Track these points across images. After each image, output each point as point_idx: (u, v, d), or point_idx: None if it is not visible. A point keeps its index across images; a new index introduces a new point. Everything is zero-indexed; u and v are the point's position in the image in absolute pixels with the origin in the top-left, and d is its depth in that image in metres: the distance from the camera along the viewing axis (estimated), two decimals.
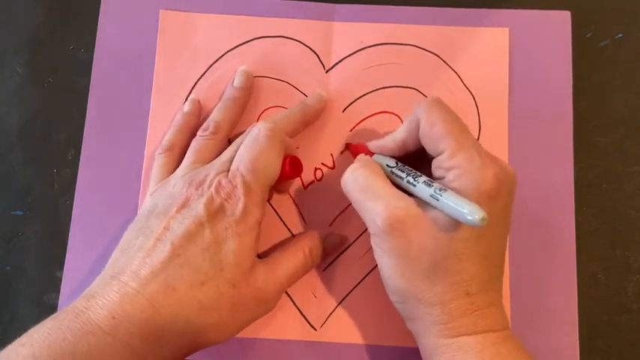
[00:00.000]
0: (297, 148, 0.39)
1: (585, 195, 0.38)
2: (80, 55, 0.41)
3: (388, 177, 0.31)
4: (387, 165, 0.32)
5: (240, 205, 0.30)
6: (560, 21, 0.40)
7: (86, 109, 0.39)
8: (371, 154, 0.34)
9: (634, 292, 0.37)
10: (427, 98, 0.31)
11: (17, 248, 0.38)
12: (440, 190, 0.27)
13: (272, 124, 0.33)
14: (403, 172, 0.31)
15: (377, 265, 0.36)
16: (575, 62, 0.40)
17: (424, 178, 0.29)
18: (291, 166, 0.32)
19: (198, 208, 0.30)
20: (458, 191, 0.27)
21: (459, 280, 0.28)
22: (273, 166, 0.32)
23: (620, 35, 0.40)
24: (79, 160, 0.39)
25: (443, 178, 0.29)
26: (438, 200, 0.27)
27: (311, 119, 0.38)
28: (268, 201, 0.38)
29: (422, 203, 0.29)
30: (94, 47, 0.40)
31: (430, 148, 0.30)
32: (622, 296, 0.37)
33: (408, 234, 0.28)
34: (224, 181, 0.30)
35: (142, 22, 0.40)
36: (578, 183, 0.38)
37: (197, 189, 0.31)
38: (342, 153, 0.38)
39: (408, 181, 0.30)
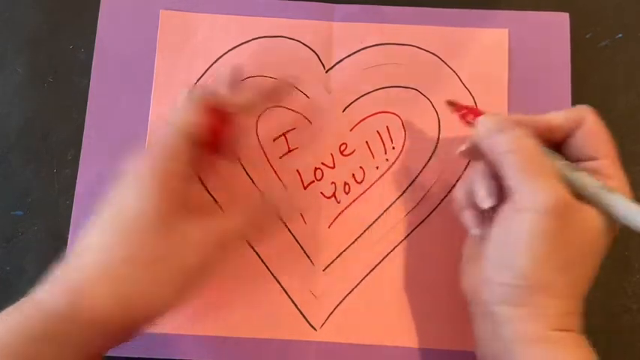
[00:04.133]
0: (297, 148, 0.39)
1: None
2: (80, 55, 0.41)
3: None
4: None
5: (151, 157, 0.30)
6: (559, 23, 0.40)
7: (86, 109, 0.39)
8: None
9: (634, 292, 0.37)
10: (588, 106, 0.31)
11: (17, 248, 0.38)
12: (609, 189, 0.28)
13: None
14: (561, 160, 0.30)
15: (378, 264, 0.37)
16: (575, 62, 0.40)
17: (585, 172, 0.29)
18: (213, 115, 0.31)
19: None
20: None
21: (586, 278, 0.29)
22: (188, 116, 0.31)
23: (620, 35, 0.40)
24: (79, 160, 0.39)
25: None
26: (610, 198, 0.28)
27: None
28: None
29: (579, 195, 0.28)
30: (94, 47, 0.40)
31: (587, 150, 0.30)
32: (622, 296, 0.37)
33: (568, 220, 0.27)
34: (151, 138, 0.31)
35: (142, 22, 0.40)
36: None
37: None
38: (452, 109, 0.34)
39: (567, 170, 0.29)
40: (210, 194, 0.38)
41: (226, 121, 0.32)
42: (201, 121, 0.31)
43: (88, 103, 0.39)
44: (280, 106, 0.39)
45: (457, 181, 0.38)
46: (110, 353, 0.36)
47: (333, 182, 0.38)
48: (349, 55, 0.40)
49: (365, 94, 0.40)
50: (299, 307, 0.37)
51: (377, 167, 0.39)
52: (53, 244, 0.38)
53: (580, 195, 0.28)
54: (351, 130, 0.39)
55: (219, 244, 0.31)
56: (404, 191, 0.38)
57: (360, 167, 0.39)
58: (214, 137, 0.32)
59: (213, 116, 0.31)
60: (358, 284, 0.37)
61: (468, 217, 0.33)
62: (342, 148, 0.39)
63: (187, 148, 0.30)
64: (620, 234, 0.37)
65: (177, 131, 0.30)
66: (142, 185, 0.29)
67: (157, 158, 0.30)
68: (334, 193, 0.38)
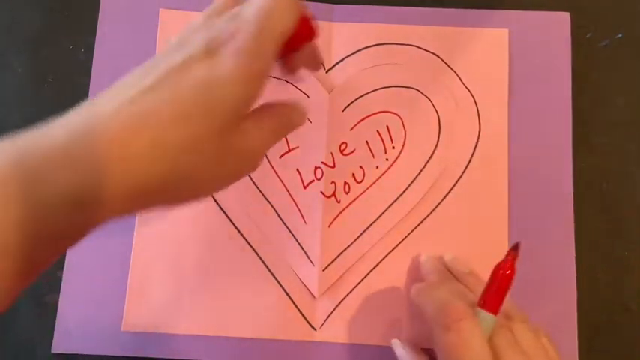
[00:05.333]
0: (297, 147, 0.39)
1: (585, 195, 0.38)
2: (80, 55, 0.41)
3: None
4: None
5: (242, 50, 0.25)
6: (560, 22, 0.40)
7: None
8: None
9: (634, 292, 0.37)
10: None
11: None
12: None
13: None
14: None
15: (378, 264, 0.37)
16: (575, 62, 0.40)
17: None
18: (304, 24, 0.28)
19: (196, 44, 0.26)
20: None
21: None
22: (285, 17, 0.27)
23: (620, 35, 0.40)
24: None
25: None
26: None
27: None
28: (279, 166, 0.38)
29: None
30: (94, 47, 0.40)
31: None
32: (622, 296, 0.37)
33: None
34: (231, 25, 0.26)
35: (142, 21, 0.40)
36: (578, 183, 0.38)
37: (199, 32, 0.27)
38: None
39: None
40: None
41: (309, 26, 0.29)
42: (296, 26, 0.27)
43: None
44: None
45: (457, 181, 0.38)
46: (109, 353, 0.36)
47: (333, 182, 0.38)
48: (349, 55, 0.40)
49: (365, 94, 0.40)
50: (299, 307, 0.37)
51: (377, 167, 0.39)
52: None
53: None
54: (351, 129, 0.39)
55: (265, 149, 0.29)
56: (404, 191, 0.38)
57: (360, 167, 0.39)
58: (293, 42, 0.29)
59: (302, 24, 0.28)
60: (358, 284, 0.37)
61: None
62: (342, 147, 0.39)
63: (277, 49, 0.27)
64: (620, 234, 0.38)
65: (277, 34, 0.26)
66: (235, 78, 0.25)
67: (254, 55, 0.26)
68: (334, 193, 0.38)
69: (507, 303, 0.29)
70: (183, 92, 0.24)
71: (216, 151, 0.25)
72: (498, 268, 0.29)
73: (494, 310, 0.28)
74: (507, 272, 0.29)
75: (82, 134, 0.23)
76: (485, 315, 0.28)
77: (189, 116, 0.24)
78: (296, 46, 0.30)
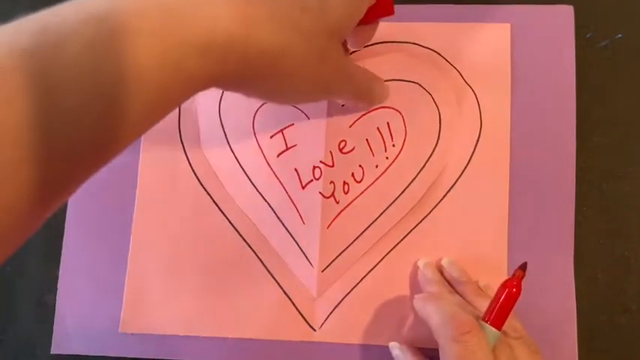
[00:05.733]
0: (295, 145, 0.39)
1: (585, 195, 0.38)
2: None
3: None
4: None
5: None
6: (563, 16, 0.40)
7: None
8: None
9: (634, 292, 0.37)
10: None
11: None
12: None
13: None
14: None
15: (377, 264, 0.37)
16: (575, 62, 0.39)
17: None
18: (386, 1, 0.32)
19: None
20: None
21: None
22: None
23: (620, 35, 0.40)
24: None
25: None
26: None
27: None
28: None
29: None
30: None
31: None
32: (622, 296, 0.37)
33: None
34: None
35: None
36: (578, 183, 0.38)
37: None
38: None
39: None
40: (203, 186, 0.38)
41: (387, 8, 0.33)
42: None
43: None
44: None
45: (457, 179, 0.38)
46: (108, 354, 0.36)
47: (332, 182, 0.38)
48: (349, 54, 0.40)
49: None
50: (298, 307, 0.37)
51: (376, 166, 0.38)
52: (53, 244, 0.38)
53: None
54: (350, 126, 0.39)
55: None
56: (403, 191, 0.38)
57: (360, 166, 0.38)
58: (368, 16, 0.31)
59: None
60: (357, 284, 0.37)
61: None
62: (342, 145, 0.39)
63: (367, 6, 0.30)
64: (620, 234, 0.37)
65: None
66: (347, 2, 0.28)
67: None
68: (333, 193, 0.38)
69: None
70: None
71: (322, 51, 0.27)
72: (505, 286, 0.30)
73: (499, 325, 0.29)
74: (514, 290, 0.29)
75: None
76: (490, 329, 0.29)
77: (306, 7, 0.26)
78: (372, 18, 0.32)
